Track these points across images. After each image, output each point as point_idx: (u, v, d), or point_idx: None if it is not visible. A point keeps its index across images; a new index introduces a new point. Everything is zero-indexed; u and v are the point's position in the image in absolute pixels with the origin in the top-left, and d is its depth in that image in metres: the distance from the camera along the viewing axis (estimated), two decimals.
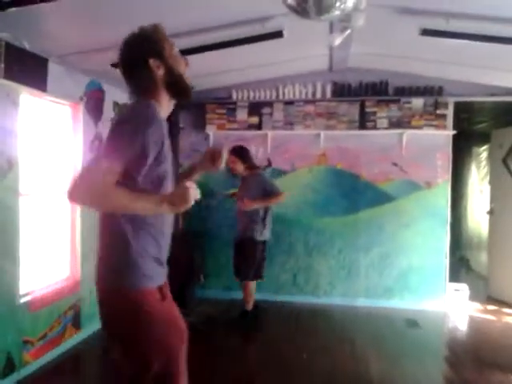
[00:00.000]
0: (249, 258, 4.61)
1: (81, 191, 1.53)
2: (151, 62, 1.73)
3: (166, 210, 1.65)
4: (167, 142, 1.73)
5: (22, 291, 3.47)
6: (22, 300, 3.46)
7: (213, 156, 2.08)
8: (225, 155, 2.08)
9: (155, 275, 1.74)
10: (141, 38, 1.76)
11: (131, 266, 1.67)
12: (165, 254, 1.82)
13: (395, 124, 5.35)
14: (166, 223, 1.82)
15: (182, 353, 1.87)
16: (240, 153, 4.65)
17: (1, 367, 3.23)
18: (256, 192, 4.54)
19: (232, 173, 4.70)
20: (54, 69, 3.65)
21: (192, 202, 1.65)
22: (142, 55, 1.73)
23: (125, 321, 1.69)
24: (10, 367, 3.31)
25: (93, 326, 4.33)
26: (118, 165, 1.55)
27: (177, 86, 1.81)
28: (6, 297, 3.29)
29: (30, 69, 3.29)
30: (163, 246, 1.80)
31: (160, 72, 1.75)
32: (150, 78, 1.75)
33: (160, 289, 1.76)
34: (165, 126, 1.74)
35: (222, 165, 2.10)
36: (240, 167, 4.65)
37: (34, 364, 3.55)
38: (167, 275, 1.87)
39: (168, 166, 1.75)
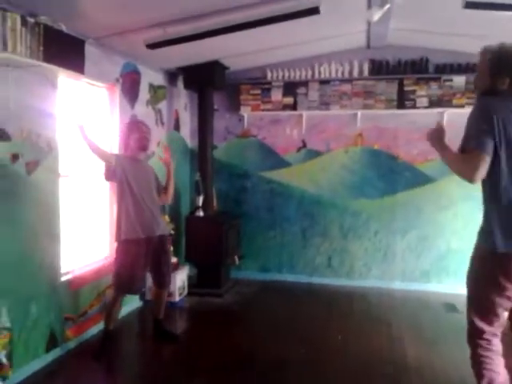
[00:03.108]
0: (170, 257, 3.99)
1: None
2: None
3: None
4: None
5: (63, 270, 3.57)
6: (63, 278, 3.57)
7: None
8: None
9: None
10: None
11: None
12: None
13: (435, 103, 5.17)
14: None
15: None
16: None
17: (45, 342, 3.35)
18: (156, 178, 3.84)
19: (143, 150, 3.71)
20: (90, 51, 3.67)
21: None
22: None
23: None
24: (53, 342, 3.43)
25: (131, 304, 4.43)
26: None
27: None
28: (48, 275, 3.39)
29: (67, 51, 3.30)
30: None
31: None
32: None
33: None
34: None
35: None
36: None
37: (74, 340, 3.68)
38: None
39: None
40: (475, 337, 2.36)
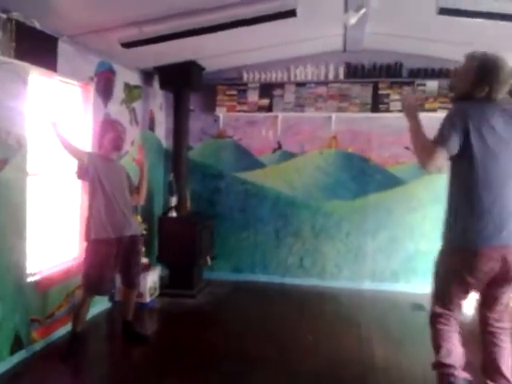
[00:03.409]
0: (140, 258, 3.99)
1: None
2: None
3: None
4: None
5: (29, 270, 3.50)
6: (30, 279, 3.49)
7: None
8: None
9: None
10: None
11: None
12: None
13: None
14: None
15: None
16: None
17: (9, 344, 3.27)
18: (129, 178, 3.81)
19: (118, 150, 3.70)
20: (64, 48, 3.61)
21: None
22: None
23: None
24: (18, 345, 3.35)
25: (100, 305, 4.37)
26: None
27: None
28: (15, 275, 3.31)
29: (40, 48, 3.25)
30: None
31: None
32: None
33: None
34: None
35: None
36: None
37: (41, 342, 3.60)
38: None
39: None
40: (436, 317, 2.63)
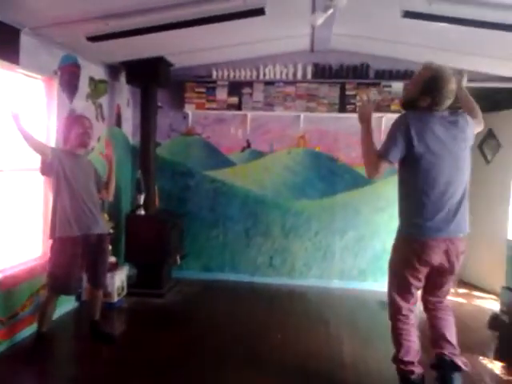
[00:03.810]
0: (108, 257, 3.88)
1: None
2: None
3: None
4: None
5: None
6: None
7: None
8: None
9: None
10: None
11: None
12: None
13: (374, 108, 5.33)
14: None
15: None
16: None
17: None
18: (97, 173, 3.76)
19: (84, 147, 3.58)
20: (26, 41, 3.51)
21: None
22: None
23: None
24: None
25: (65, 305, 4.27)
26: None
27: None
28: None
29: (0, 40, 3.15)
30: None
31: None
32: None
33: None
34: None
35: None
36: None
37: (3, 344, 3.48)
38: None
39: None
40: (396, 313, 2.81)
